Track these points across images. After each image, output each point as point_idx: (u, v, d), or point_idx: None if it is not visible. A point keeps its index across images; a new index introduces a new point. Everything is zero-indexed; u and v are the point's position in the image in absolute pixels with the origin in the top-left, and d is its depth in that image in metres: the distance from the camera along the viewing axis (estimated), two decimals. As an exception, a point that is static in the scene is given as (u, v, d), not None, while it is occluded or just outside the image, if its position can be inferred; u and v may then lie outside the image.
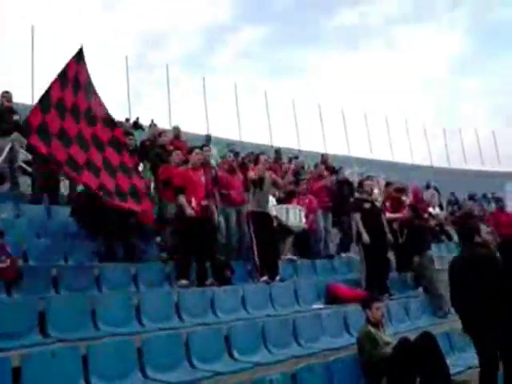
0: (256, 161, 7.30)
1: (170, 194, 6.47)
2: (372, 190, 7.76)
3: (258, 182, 6.70)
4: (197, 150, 6.58)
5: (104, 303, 4.66)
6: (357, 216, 7.23)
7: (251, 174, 6.81)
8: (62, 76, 5.17)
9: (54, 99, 5.01)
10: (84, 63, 5.39)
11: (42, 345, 3.84)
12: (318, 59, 50.78)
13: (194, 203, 6.05)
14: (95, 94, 5.47)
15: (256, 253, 6.62)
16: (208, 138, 10.63)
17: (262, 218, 6.74)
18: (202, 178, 6.38)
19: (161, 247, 6.75)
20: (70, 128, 5.09)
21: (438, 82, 51.91)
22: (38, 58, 18.97)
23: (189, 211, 5.95)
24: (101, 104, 5.50)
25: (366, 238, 7.07)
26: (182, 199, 6.05)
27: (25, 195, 7.69)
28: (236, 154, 10.54)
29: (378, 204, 7.71)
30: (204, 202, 6.22)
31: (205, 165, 6.88)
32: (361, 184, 8.22)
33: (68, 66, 5.24)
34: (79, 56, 5.35)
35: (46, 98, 5.04)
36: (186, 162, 6.71)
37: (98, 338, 4.17)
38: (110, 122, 5.56)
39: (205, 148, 7.36)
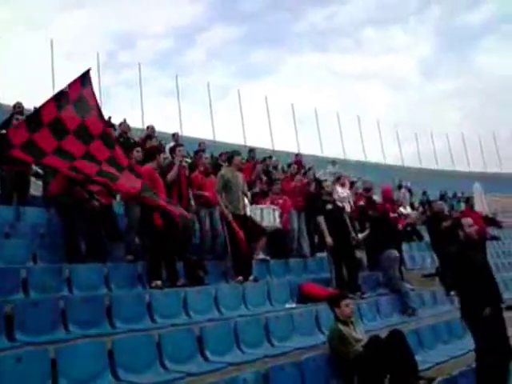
0: (230, 160, 7.27)
1: None
2: (332, 191, 7.84)
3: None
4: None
5: (74, 305, 4.59)
6: (320, 218, 7.31)
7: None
8: (60, 97, 5.18)
9: (46, 119, 4.98)
10: (91, 86, 5.38)
11: (8, 349, 3.74)
12: (289, 60, 51.09)
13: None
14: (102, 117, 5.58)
15: (230, 253, 6.62)
16: (176, 138, 10.45)
17: (236, 219, 6.72)
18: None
19: (126, 249, 6.57)
20: (73, 148, 5.08)
21: (408, 83, 52.89)
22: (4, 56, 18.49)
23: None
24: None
25: (329, 240, 7.16)
26: None
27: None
28: (212, 157, 10.46)
29: (341, 204, 7.80)
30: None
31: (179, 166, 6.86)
32: (321, 185, 8.29)
33: (70, 87, 5.23)
34: (85, 79, 5.34)
35: (35, 117, 5.07)
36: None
37: (68, 340, 4.11)
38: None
39: (178, 148, 7.30)
